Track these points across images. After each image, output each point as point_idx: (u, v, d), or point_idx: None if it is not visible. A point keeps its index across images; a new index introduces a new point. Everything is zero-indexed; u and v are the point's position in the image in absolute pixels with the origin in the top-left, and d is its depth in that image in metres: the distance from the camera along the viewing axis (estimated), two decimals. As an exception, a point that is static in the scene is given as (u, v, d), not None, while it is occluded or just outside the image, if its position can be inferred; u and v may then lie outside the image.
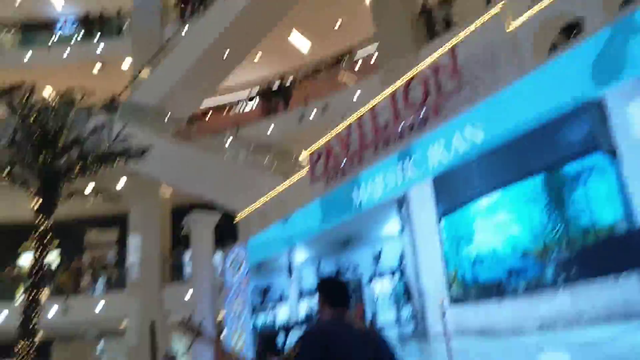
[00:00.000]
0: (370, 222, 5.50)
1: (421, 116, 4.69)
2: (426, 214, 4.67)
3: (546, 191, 3.55)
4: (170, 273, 13.51)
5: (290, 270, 7.73)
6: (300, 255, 7.57)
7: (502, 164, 3.93)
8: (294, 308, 7.31)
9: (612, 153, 3.07)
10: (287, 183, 8.39)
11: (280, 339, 3.68)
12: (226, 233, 12.74)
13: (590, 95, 3.05)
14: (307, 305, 7.07)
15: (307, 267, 7.36)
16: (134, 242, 13.45)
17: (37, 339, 8.71)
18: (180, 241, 13.85)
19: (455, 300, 4.18)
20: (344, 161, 5.80)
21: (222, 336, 9.72)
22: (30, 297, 8.96)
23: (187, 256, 13.16)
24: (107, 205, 13.48)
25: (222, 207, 11.39)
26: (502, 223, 3.88)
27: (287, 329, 2.62)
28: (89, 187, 12.04)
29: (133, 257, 13.32)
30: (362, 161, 5.50)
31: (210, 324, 10.65)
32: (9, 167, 9.48)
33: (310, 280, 7.30)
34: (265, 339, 3.95)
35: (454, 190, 4.38)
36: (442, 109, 4.50)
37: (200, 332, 2.76)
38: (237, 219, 10.56)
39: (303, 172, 7.59)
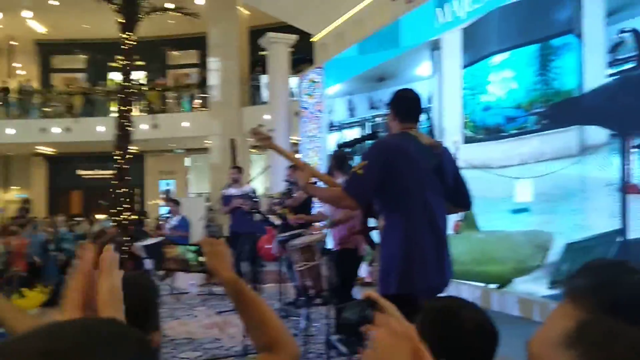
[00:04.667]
0: (405, 62, 6.66)
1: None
2: (453, 62, 5.60)
3: (538, 57, 4.56)
4: (248, 95, 15.68)
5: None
6: (333, 89, 8.75)
7: (516, 28, 4.87)
8: (323, 140, 8.90)
9: (579, 36, 4.22)
10: (367, 2, 9.08)
11: (349, 157, 4.55)
12: (303, 56, 14.14)
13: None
14: (336, 139, 8.46)
15: (338, 100, 8.56)
16: (213, 63, 15.47)
17: (131, 149, 11.35)
18: (257, 64, 15.64)
19: (466, 139, 5.55)
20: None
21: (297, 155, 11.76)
22: (122, 111, 11.41)
23: (264, 79, 15.03)
24: (187, 26, 15.24)
25: (299, 28, 12.45)
26: (507, 79, 4.93)
27: (353, 144, 3.47)
28: (168, 4, 13.70)
29: (213, 78, 15.46)
30: None
31: (286, 145, 12.75)
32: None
33: (340, 113, 8.44)
34: (336, 157, 4.62)
35: (476, 44, 5.29)
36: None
37: (269, 138, 3.17)
38: (313, 39, 11.76)
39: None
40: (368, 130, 7.43)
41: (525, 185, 4.73)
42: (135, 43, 11.53)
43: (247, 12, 15.58)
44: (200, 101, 16.44)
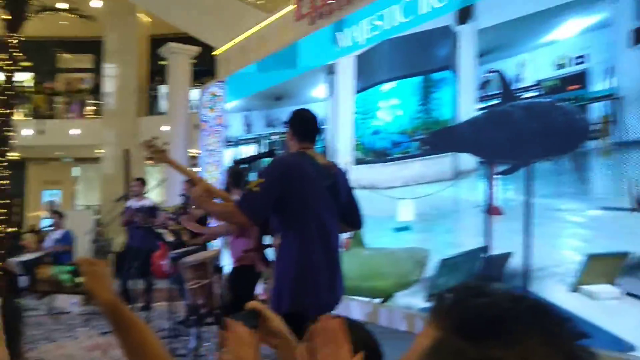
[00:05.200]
0: (303, 83, 7.09)
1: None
2: (347, 87, 6.09)
3: (421, 89, 5.14)
4: (146, 105, 15.43)
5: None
6: (230, 104, 9.04)
7: (402, 60, 5.45)
8: (223, 154, 9.09)
9: (455, 71, 4.81)
10: (271, 19, 9.40)
11: (246, 173, 4.56)
12: (204, 68, 14.21)
13: (454, 27, 4.85)
14: (233, 154, 8.70)
15: (235, 116, 8.85)
16: (109, 69, 15.08)
17: (10, 156, 10.75)
18: (157, 73, 15.47)
19: (357, 161, 6.01)
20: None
21: (194, 170, 11.74)
22: (2, 115, 10.79)
23: (163, 89, 14.88)
24: (81, 28, 14.73)
25: (202, 40, 12.50)
26: (394, 106, 5.49)
27: (250, 161, 3.54)
28: (61, 4, 13.23)
29: (109, 85, 15.05)
30: (349, 2, 6.81)
31: (184, 158, 12.70)
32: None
33: (237, 129, 8.73)
34: (233, 173, 4.61)
35: (368, 72, 5.82)
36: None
37: (163, 151, 3.21)
38: (215, 53, 11.88)
39: (289, 9, 8.23)
40: (264, 148, 7.71)
41: (407, 205, 5.23)
42: (16, 42, 11.01)
43: (147, 19, 15.39)
44: (93, 108, 15.93)
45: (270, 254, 2.90)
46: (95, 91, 15.82)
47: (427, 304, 4.89)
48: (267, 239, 2.97)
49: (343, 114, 6.20)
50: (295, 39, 7.56)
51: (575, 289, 3.73)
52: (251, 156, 3.76)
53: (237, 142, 8.71)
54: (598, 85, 3.72)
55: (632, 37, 3.49)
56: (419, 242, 5.12)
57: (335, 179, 2.73)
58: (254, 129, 8.26)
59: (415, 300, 5.06)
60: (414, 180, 5.14)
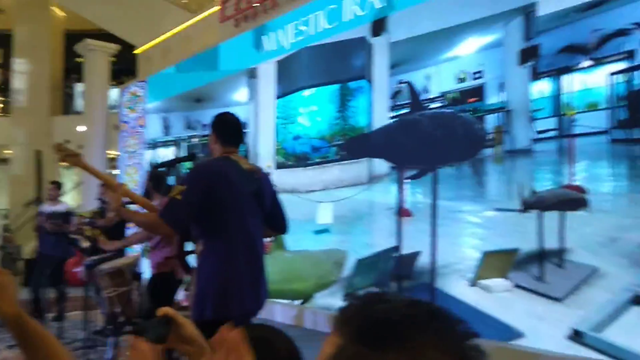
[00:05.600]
0: (225, 86, 7.29)
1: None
2: (268, 92, 6.36)
3: (339, 96, 5.52)
4: (60, 104, 14.95)
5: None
6: (150, 105, 9.06)
7: (321, 68, 5.79)
8: (144, 156, 9.10)
9: (369, 81, 5.21)
10: (194, 19, 9.44)
11: (167, 177, 4.50)
12: (124, 68, 13.98)
13: (369, 38, 5.21)
14: (149, 157, 8.80)
15: (153, 117, 8.87)
16: (19, 65, 14.47)
17: None
18: (73, 71, 15.03)
19: (278, 165, 6.26)
20: (256, 4, 7.13)
21: (113, 173, 11.56)
22: None
23: (79, 87, 14.49)
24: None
25: (121, 38, 12.24)
26: (313, 112, 5.84)
27: (169, 165, 3.93)
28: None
29: (18, 81, 14.45)
30: (274, 5, 7.00)
31: (102, 160, 12.45)
32: None
33: (155, 131, 8.78)
34: (153, 177, 4.55)
35: (289, 77, 6.12)
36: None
37: (77, 155, 3.12)
38: (136, 52, 11.73)
39: (213, 10, 8.36)
40: (183, 150, 7.81)
41: (326, 208, 5.56)
42: None
43: (62, 13, 14.94)
44: (1, 105, 15.25)
45: (191, 260, 2.87)
46: (4, 87, 15.14)
47: (344, 304, 5.20)
48: (189, 246, 2.93)
49: (264, 119, 6.44)
50: (219, 41, 7.64)
51: (474, 283, 4.17)
52: (171, 160, 3.82)
53: (155, 145, 8.74)
54: (493, 98, 4.20)
55: (520, 56, 3.98)
56: (338, 243, 5.45)
57: (260, 184, 2.73)
58: (173, 131, 8.32)
59: (333, 300, 5.38)
60: (332, 184, 5.47)
